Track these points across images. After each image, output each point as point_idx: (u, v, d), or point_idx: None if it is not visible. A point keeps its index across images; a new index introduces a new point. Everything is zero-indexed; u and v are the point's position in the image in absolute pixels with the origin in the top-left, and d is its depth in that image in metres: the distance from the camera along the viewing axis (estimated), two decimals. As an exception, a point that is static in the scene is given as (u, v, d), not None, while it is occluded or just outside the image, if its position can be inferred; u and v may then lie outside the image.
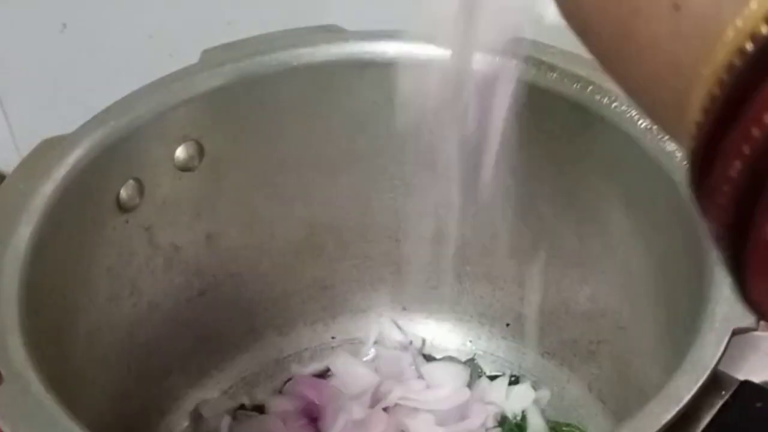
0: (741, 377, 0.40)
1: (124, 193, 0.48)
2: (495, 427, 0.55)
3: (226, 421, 0.55)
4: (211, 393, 0.57)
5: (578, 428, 0.54)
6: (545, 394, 0.56)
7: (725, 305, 0.39)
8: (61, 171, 0.45)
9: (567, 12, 0.26)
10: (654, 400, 0.36)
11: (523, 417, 0.55)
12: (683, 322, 0.42)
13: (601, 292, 0.52)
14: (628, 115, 0.47)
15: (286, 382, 0.58)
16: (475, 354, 0.58)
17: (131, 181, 0.49)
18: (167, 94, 0.49)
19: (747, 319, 0.38)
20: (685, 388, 0.37)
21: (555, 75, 0.49)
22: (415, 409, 0.55)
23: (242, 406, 0.56)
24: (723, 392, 0.38)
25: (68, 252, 0.46)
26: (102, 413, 0.49)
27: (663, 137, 0.46)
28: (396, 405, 0.55)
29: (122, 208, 0.49)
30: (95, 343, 0.49)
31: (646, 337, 0.49)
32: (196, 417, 0.56)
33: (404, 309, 0.60)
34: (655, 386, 0.46)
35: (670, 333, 0.45)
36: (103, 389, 0.50)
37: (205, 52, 0.51)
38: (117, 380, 0.51)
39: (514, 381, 0.57)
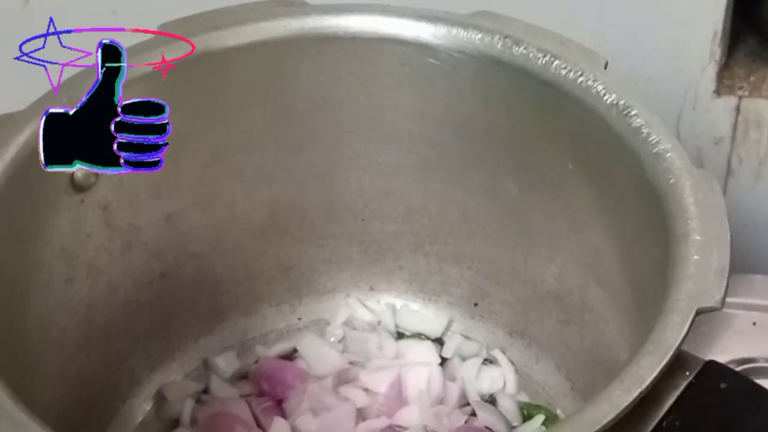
0: (707, 357, 0.39)
1: (79, 172, 0.47)
2: (465, 405, 0.54)
3: (190, 404, 0.54)
4: (174, 376, 0.56)
5: (547, 409, 0.54)
6: (514, 374, 0.55)
7: (689, 284, 0.38)
8: (11, 151, 0.44)
9: None
10: (616, 381, 0.36)
11: (492, 398, 0.55)
12: (649, 302, 0.41)
13: (568, 271, 0.51)
14: (594, 90, 0.46)
15: (254, 364, 0.56)
16: (443, 334, 0.58)
17: (86, 160, 0.47)
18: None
19: (711, 298, 0.38)
20: (647, 369, 0.36)
21: (521, 49, 0.48)
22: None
23: (206, 390, 0.55)
24: (687, 373, 0.37)
25: (21, 234, 0.45)
26: (58, 398, 0.48)
27: (629, 113, 0.45)
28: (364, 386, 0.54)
29: (77, 187, 0.47)
30: (50, 327, 0.47)
31: (613, 316, 0.48)
32: (159, 400, 0.55)
33: (372, 289, 0.59)
34: (622, 365, 0.46)
35: (637, 312, 0.45)
36: (59, 374, 0.49)
37: (162, 26, 0.49)
38: (74, 365, 0.50)
39: (486, 362, 0.56)
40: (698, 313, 0.37)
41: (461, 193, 0.54)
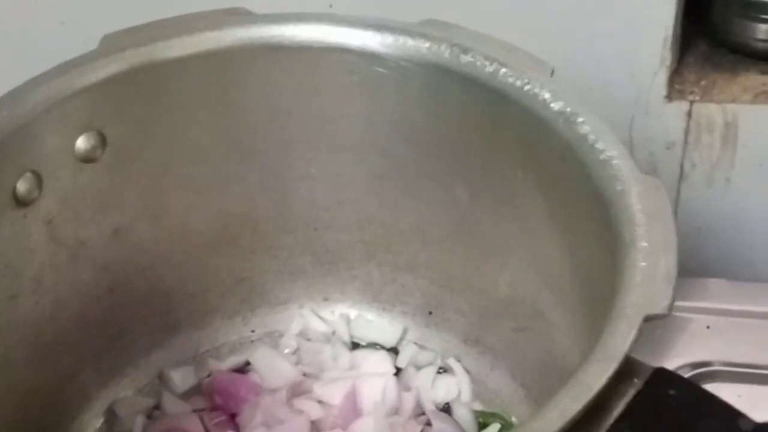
0: (661, 362, 0.39)
1: (21, 186, 0.46)
2: (420, 415, 0.54)
3: (141, 420, 0.53)
4: (125, 391, 0.55)
5: (502, 417, 0.53)
6: (469, 383, 0.55)
7: (637, 291, 0.38)
8: (-50, 165, 0.43)
9: None
10: (563, 389, 0.35)
11: (448, 407, 0.54)
12: (599, 309, 0.41)
13: (520, 278, 0.51)
14: (540, 98, 0.46)
15: (206, 378, 0.56)
16: (398, 343, 0.57)
17: (28, 174, 0.47)
18: (65, 81, 0.47)
19: (658, 305, 0.38)
20: (595, 376, 0.36)
21: (468, 57, 0.48)
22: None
23: (158, 406, 0.54)
24: (636, 380, 0.37)
25: (-39, 249, 0.44)
26: (6, 416, 0.47)
27: (576, 120, 0.45)
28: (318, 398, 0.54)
29: (19, 202, 0.46)
30: (-4, 344, 0.47)
31: (565, 323, 0.48)
32: (110, 416, 0.54)
33: (325, 299, 0.58)
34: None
35: (587, 320, 0.44)
36: (6, 392, 0.48)
37: (106, 37, 0.49)
38: (21, 383, 0.49)
39: (441, 371, 0.55)
40: (645, 320, 0.37)
41: (414, 202, 0.54)
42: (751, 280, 0.64)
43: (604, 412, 0.37)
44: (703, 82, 0.64)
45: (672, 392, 0.37)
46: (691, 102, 0.63)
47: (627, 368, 0.37)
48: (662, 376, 0.38)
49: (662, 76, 0.62)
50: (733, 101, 0.63)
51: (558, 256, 0.47)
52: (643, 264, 0.39)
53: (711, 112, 0.63)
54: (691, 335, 0.58)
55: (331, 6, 0.56)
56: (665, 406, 0.37)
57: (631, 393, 0.37)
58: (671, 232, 0.40)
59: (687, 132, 0.65)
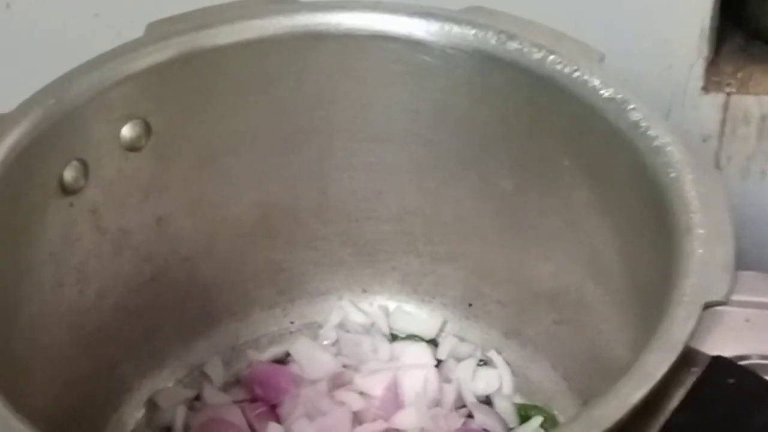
0: (710, 353, 0.39)
1: (67, 174, 0.46)
2: (461, 407, 0.53)
3: (182, 411, 0.53)
4: (165, 382, 0.55)
5: (543, 409, 0.53)
6: (510, 375, 0.54)
7: (694, 279, 0.38)
8: (-1, 152, 0.43)
9: None
10: (623, 378, 0.35)
11: (488, 399, 0.54)
12: (650, 298, 0.41)
13: (565, 270, 0.51)
14: (590, 85, 0.46)
15: (246, 369, 0.55)
16: (437, 335, 0.57)
17: (75, 162, 0.46)
18: (110, 69, 0.47)
19: (717, 292, 0.37)
20: (655, 365, 0.35)
21: (515, 45, 0.48)
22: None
23: (198, 397, 0.54)
24: (694, 369, 0.37)
25: (8, 238, 0.44)
26: (48, 406, 0.47)
27: (627, 107, 0.45)
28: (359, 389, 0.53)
29: (66, 190, 0.46)
30: (39, 333, 0.46)
31: (611, 314, 0.48)
32: (151, 407, 0.54)
33: (364, 291, 0.58)
34: (621, 364, 0.45)
35: (636, 310, 0.44)
36: (49, 381, 0.48)
37: (150, 25, 0.49)
38: (64, 371, 0.49)
39: (482, 363, 0.55)
40: (705, 307, 0.37)
41: (455, 192, 0.53)
42: (787, 273, 0.63)
43: (663, 401, 0.36)
44: (739, 74, 0.63)
45: (731, 381, 0.37)
46: (728, 94, 0.63)
47: (685, 357, 0.36)
48: (721, 364, 0.37)
49: (699, 68, 0.62)
50: (770, 93, 0.62)
51: (606, 246, 0.47)
52: (700, 251, 0.38)
53: (747, 104, 0.63)
54: (728, 328, 0.57)
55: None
56: (724, 395, 0.37)
57: (689, 382, 0.37)
58: (727, 219, 0.40)
59: (723, 124, 0.64)
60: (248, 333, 0.57)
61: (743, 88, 0.63)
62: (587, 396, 0.51)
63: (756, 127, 0.64)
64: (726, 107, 0.63)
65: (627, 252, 0.45)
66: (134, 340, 0.53)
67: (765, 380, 0.37)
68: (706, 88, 0.62)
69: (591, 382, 0.50)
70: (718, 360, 0.37)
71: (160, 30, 0.48)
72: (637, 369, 0.35)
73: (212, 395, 0.54)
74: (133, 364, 0.53)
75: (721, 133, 0.64)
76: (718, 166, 0.65)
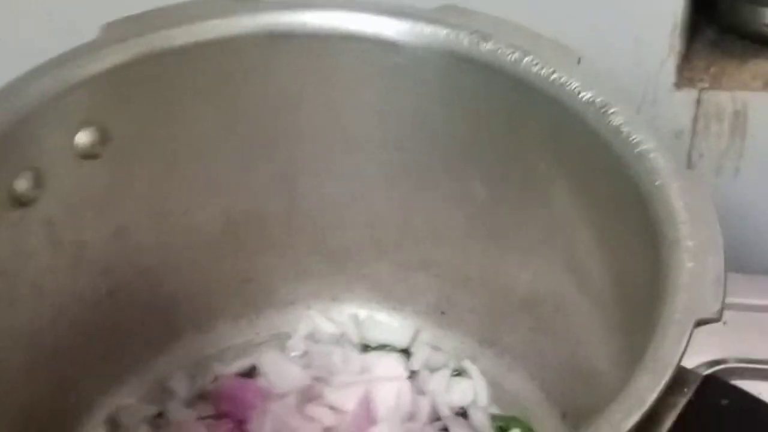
0: (688, 357, 0.37)
1: (19, 185, 0.43)
2: (436, 420, 0.52)
3: (144, 429, 0.51)
4: (127, 399, 0.52)
5: (520, 421, 0.51)
6: (486, 386, 0.53)
7: (685, 294, 0.36)
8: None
9: None
10: (614, 403, 0.33)
11: (464, 411, 0.52)
12: (636, 310, 0.39)
13: (542, 278, 0.49)
14: (568, 87, 0.44)
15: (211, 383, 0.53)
16: (410, 344, 0.55)
17: (27, 172, 0.44)
18: (65, 73, 0.44)
19: (709, 309, 0.36)
20: (647, 389, 0.34)
21: (489, 45, 0.46)
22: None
23: (162, 413, 0.52)
24: (685, 389, 0.35)
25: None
26: (2, 428, 0.45)
27: (607, 111, 0.43)
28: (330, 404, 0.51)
29: (17, 202, 0.44)
30: (-7, 354, 0.44)
31: (593, 325, 0.46)
32: (113, 425, 0.51)
33: (334, 299, 0.56)
34: (603, 376, 0.44)
35: (621, 322, 0.43)
36: (3, 400, 0.45)
37: (106, 25, 0.46)
38: (19, 391, 0.46)
39: (456, 373, 0.53)
40: (697, 325, 0.35)
41: (427, 198, 0.52)
42: (760, 270, 0.62)
43: (655, 426, 0.35)
44: (712, 69, 0.62)
45: (724, 402, 0.35)
46: (701, 90, 0.62)
47: (677, 377, 0.35)
48: (713, 384, 0.36)
49: (671, 64, 0.60)
50: (743, 88, 0.61)
51: (588, 256, 0.45)
52: (690, 265, 0.37)
53: (720, 100, 0.62)
54: (707, 332, 0.56)
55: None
56: (718, 417, 0.35)
57: (681, 404, 0.35)
58: (716, 229, 0.38)
59: (695, 120, 0.63)
60: (213, 346, 0.55)
61: (716, 84, 0.62)
62: (565, 407, 0.50)
63: (729, 123, 0.63)
64: (698, 103, 0.62)
65: (610, 262, 0.44)
66: (94, 356, 0.50)
67: (758, 399, 0.36)
68: (678, 84, 0.61)
69: (570, 392, 0.49)
70: (709, 379, 0.36)
71: (117, 31, 0.46)
72: (628, 393, 0.34)
73: (176, 412, 0.52)
74: (94, 381, 0.51)
75: (694, 130, 0.63)
76: (690, 162, 0.64)
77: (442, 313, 0.55)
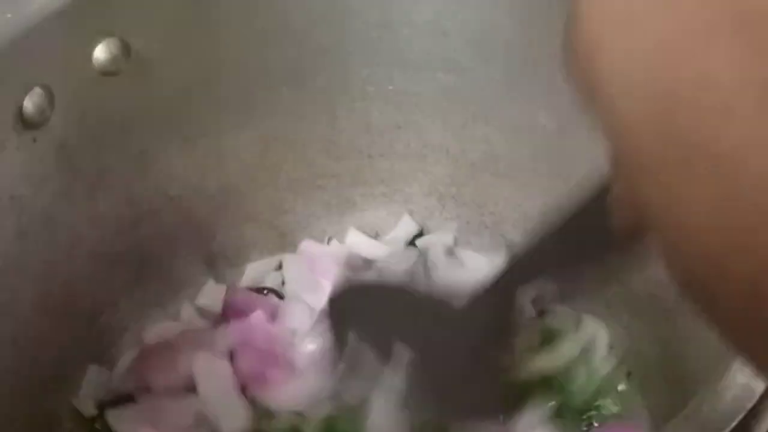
0: None
1: (28, 104, 0.39)
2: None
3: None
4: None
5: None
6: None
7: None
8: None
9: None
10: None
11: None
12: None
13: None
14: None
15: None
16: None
17: (38, 89, 0.39)
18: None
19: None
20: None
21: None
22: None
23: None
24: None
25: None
26: (14, 365, 0.41)
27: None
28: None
29: (27, 123, 0.39)
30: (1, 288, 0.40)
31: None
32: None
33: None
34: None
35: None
36: (12, 340, 0.41)
37: None
38: (30, 326, 0.42)
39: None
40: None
41: (486, 128, 0.47)
42: None
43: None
44: None
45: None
46: None
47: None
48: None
49: None
50: None
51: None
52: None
53: None
54: None
55: None
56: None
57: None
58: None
59: None
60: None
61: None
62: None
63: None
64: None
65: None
66: (112, 291, 0.47)
67: None
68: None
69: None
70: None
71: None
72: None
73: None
74: (116, 315, 0.47)
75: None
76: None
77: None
